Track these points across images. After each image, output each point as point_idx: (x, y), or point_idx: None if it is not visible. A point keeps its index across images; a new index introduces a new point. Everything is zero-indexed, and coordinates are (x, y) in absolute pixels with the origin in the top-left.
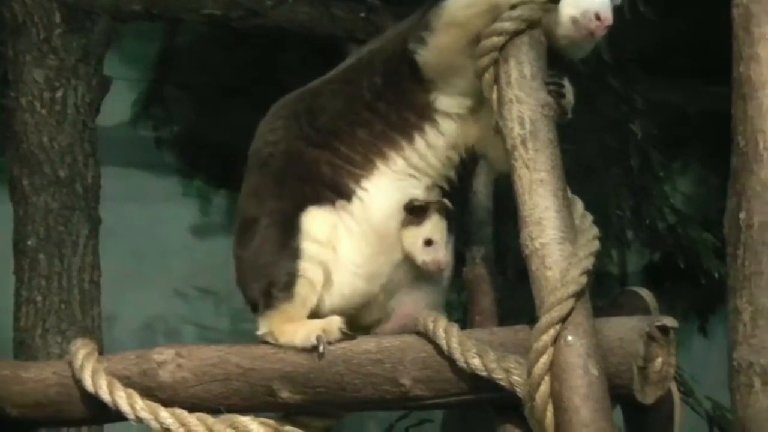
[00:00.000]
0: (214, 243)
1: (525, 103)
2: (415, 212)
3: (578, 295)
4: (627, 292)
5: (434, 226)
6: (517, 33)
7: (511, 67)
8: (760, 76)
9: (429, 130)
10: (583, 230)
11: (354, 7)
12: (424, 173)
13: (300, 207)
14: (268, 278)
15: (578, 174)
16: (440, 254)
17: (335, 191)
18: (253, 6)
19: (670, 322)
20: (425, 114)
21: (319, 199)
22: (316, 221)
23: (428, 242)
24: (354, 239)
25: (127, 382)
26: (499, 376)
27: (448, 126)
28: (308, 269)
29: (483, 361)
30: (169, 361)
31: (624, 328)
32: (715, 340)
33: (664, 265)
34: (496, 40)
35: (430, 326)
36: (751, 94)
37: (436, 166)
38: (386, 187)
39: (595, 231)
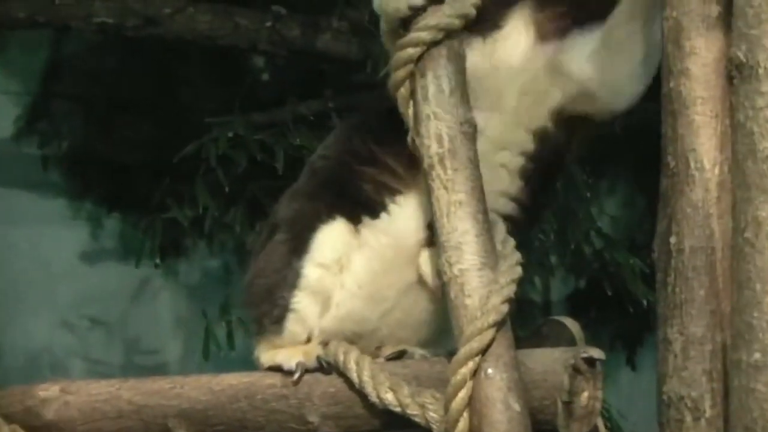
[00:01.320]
0: (105, 269)
1: (443, 120)
2: None
3: (499, 325)
4: (551, 321)
5: None
6: (434, 43)
7: (428, 81)
8: (690, 92)
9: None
10: (504, 255)
11: (259, 16)
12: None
13: (322, 220)
14: (261, 307)
15: None
16: None
17: (367, 207)
18: (150, 14)
19: (596, 353)
20: None
21: (345, 215)
22: (330, 239)
23: None
24: (365, 255)
25: (11, 421)
26: (413, 411)
27: (488, 123)
28: (303, 302)
29: (396, 396)
30: (54, 398)
31: (548, 360)
32: (643, 372)
33: (590, 292)
34: (412, 51)
35: (341, 358)
36: (681, 111)
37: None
38: (421, 200)
39: (517, 256)
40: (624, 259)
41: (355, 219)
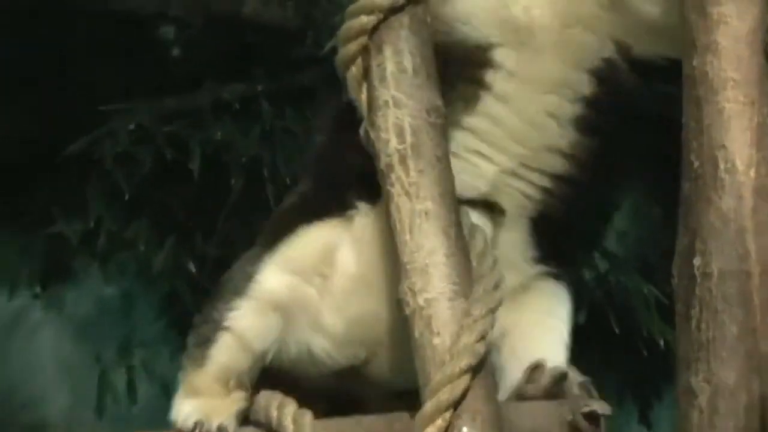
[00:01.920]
0: None
1: (405, 107)
2: None
3: (475, 370)
4: (543, 365)
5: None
6: (393, 10)
7: (386, 58)
8: (719, 73)
9: (491, 83)
10: (481, 275)
11: None
12: (490, 155)
13: (304, 220)
14: (197, 327)
15: None
16: None
17: (363, 189)
18: None
19: (600, 407)
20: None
21: (337, 207)
22: (308, 240)
23: None
24: (360, 248)
25: None
26: None
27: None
28: (245, 318)
29: None
30: None
31: (539, 415)
32: (659, 431)
33: (592, 327)
34: (365, 20)
35: (274, 414)
36: (707, 98)
37: (505, 141)
38: None
39: (497, 276)
40: (635, 285)
41: (348, 205)
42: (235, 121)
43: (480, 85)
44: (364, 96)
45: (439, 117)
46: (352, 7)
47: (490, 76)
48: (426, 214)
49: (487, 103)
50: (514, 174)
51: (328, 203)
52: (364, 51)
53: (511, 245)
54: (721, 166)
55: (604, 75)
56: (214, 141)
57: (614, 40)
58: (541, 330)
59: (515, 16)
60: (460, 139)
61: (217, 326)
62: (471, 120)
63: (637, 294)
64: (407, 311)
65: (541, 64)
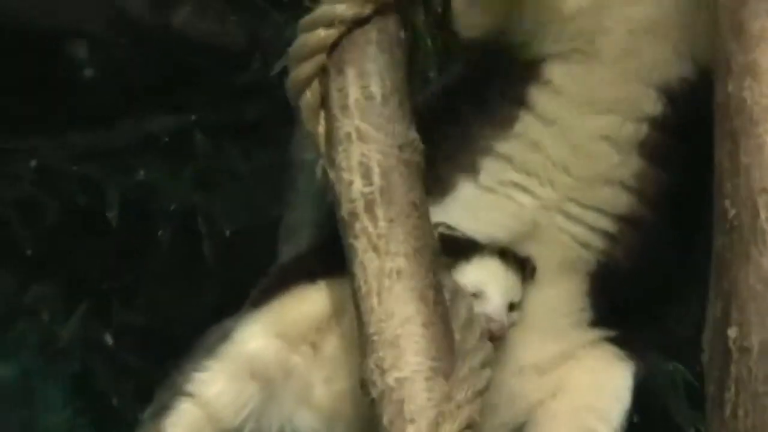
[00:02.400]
0: None
1: (372, 142)
2: (447, 246)
3: None
4: None
5: (486, 272)
6: (358, 22)
7: (348, 82)
8: (761, 100)
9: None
10: (466, 351)
11: None
12: (530, 186)
13: (297, 278)
14: (156, 397)
15: None
16: (494, 309)
17: None
18: None
19: None
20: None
21: (339, 268)
22: (301, 301)
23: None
24: (351, 325)
25: None
26: None
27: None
28: (212, 389)
29: None
30: None
31: None
32: None
33: None
34: (323, 34)
35: None
36: (745, 130)
37: (548, 170)
38: (460, 210)
39: (486, 351)
40: (657, 362)
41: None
42: (164, 160)
43: (519, 102)
44: (321, 128)
45: (415, 153)
46: (307, 19)
47: (533, 93)
48: (398, 273)
49: (527, 124)
50: (560, 211)
51: (330, 262)
52: (322, 72)
53: (553, 306)
54: (763, 215)
55: (676, 94)
56: (136, 184)
57: (692, 56)
58: (583, 417)
59: (569, 14)
60: (491, 169)
61: (178, 391)
62: (506, 146)
63: (661, 374)
64: (373, 393)
65: (596, 78)
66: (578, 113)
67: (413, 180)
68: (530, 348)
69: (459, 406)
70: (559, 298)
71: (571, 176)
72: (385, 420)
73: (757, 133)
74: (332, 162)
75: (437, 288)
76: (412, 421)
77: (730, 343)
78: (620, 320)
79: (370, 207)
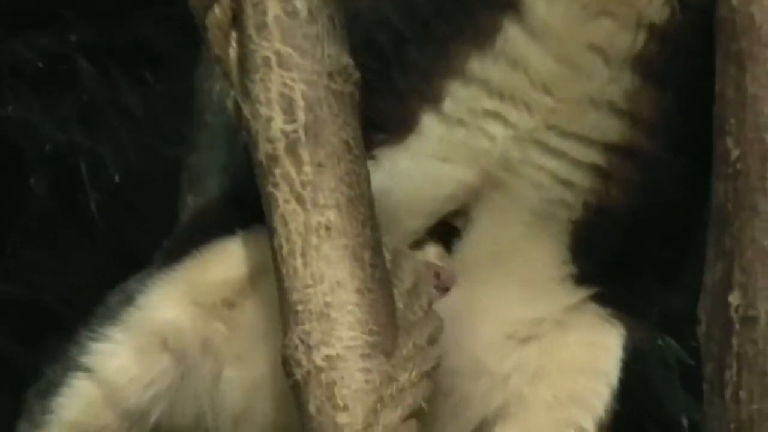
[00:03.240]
0: None
1: (296, 69)
2: None
3: None
4: None
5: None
6: None
7: None
8: None
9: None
10: (411, 324)
11: None
12: (503, 112)
13: (227, 228)
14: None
15: None
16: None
17: None
18: None
19: None
20: None
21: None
22: (219, 258)
23: None
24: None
25: None
26: None
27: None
28: (113, 363)
29: None
30: None
31: None
32: None
33: None
34: None
35: None
36: (753, 53)
37: (527, 90)
38: (424, 151)
39: (434, 323)
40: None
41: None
42: (37, 91)
43: (507, 7)
44: (232, 52)
45: (348, 82)
46: None
47: None
48: (327, 229)
49: (511, 37)
50: (537, 142)
51: (247, 214)
52: None
53: (531, 261)
54: None
55: None
56: (2, 120)
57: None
58: (564, 409)
59: None
60: (460, 96)
61: (72, 366)
62: (480, 66)
63: (650, 350)
64: (297, 374)
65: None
66: (573, 17)
67: (346, 114)
68: (504, 313)
69: (402, 390)
70: (538, 251)
71: (552, 97)
72: (312, 407)
73: (766, 58)
74: (246, 93)
75: (375, 247)
76: (345, 408)
77: (732, 312)
78: (608, 278)
79: (293, 148)
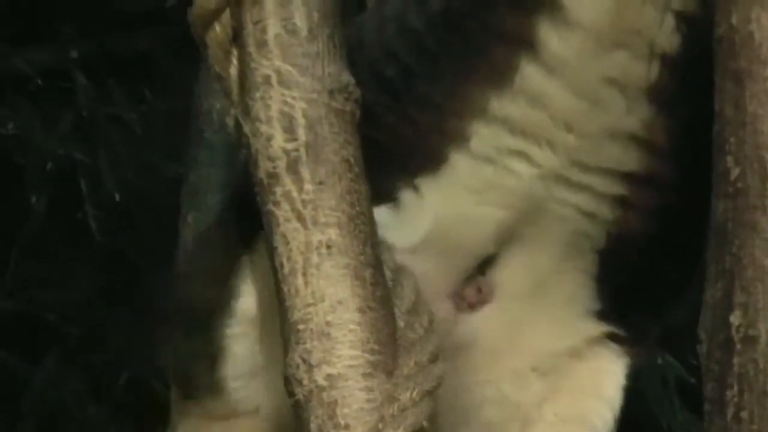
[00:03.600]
0: None
1: (297, 87)
2: None
3: None
4: None
5: None
6: None
7: (267, 13)
8: None
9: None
10: (412, 342)
11: None
12: (527, 151)
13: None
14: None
15: None
16: None
17: None
18: None
19: None
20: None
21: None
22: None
23: None
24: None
25: None
26: None
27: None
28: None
29: None
30: None
31: None
32: None
33: None
34: None
35: None
36: (752, 72)
37: (549, 129)
38: (458, 187)
39: (434, 342)
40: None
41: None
42: (36, 107)
43: (523, 44)
44: (233, 70)
45: (349, 100)
46: None
47: (544, 27)
48: (328, 248)
49: (529, 74)
50: (562, 179)
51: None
52: (234, 1)
53: (559, 294)
54: None
55: (696, 23)
56: (3, 137)
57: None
58: (572, 422)
59: None
60: (484, 135)
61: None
62: (500, 104)
63: (649, 369)
64: (299, 393)
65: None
66: (588, 51)
67: (347, 133)
68: (530, 346)
69: (404, 409)
70: (565, 284)
71: (573, 134)
72: (314, 426)
73: (763, 75)
74: (247, 111)
75: (376, 265)
76: (346, 427)
77: (733, 332)
78: (627, 307)
79: (293, 167)
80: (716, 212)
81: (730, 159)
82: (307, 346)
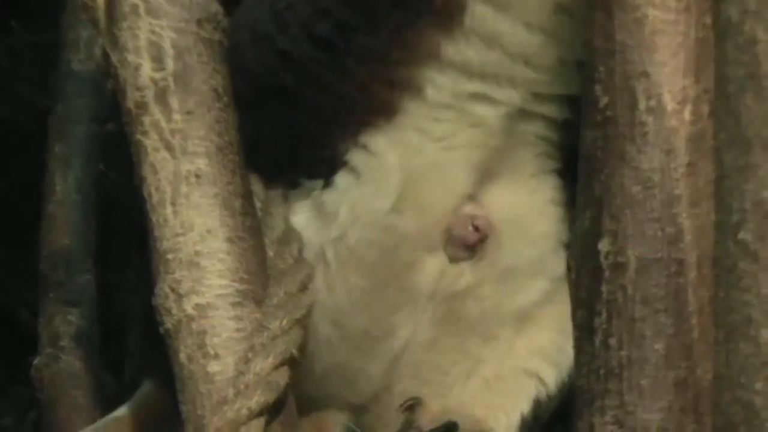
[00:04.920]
0: None
1: (165, 16)
2: None
3: (272, 412)
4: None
5: None
6: None
7: None
8: None
9: None
10: (281, 272)
11: None
12: (489, 93)
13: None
14: None
15: None
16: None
17: (300, 165)
18: None
19: None
20: None
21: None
22: None
23: None
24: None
25: None
26: None
27: None
28: None
29: None
30: None
31: None
32: None
33: None
34: None
35: None
36: (620, 2)
37: (507, 66)
38: (414, 134)
39: (305, 271)
40: None
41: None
42: None
43: None
44: (100, 0)
45: (217, 30)
46: None
47: None
48: (197, 177)
49: (479, 13)
50: (524, 112)
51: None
52: None
53: (538, 228)
54: (642, 104)
55: None
56: None
57: None
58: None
59: None
60: (440, 83)
61: None
62: (452, 49)
63: None
64: (168, 323)
65: None
66: None
67: (215, 62)
68: (512, 287)
69: (274, 338)
70: (541, 216)
71: (531, 68)
72: (183, 356)
73: (636, 4)
74: (115, 41)
75: (245, 195)
76: (216, 356)
77: (602, 259)
78: None
79: (162, 96)
80: (586, 141)
81: (599, 88)
82: (176, 275)
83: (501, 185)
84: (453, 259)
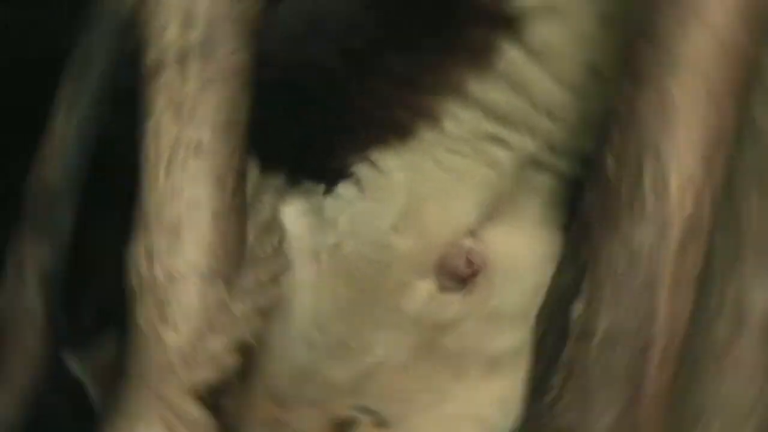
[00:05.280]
0: None
1: None
2: None
3: (218, 394)
4: None
5: None
6: None
7: None
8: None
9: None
10: (256, 258)
11: None
12: (505, 137)
13: None
14: None
15: None
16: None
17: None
18: None
19: None
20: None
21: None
22: None
23: None
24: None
25: None
26: None
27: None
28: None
29: None
30: None
31: None
32: None
33: None
34: None
35: None
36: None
37: (529, 115)
38: (425, 161)
39: (279, 263)
40: None
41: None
42: None
43: (503, 27)
44: None
45: (252, 8)
46: None
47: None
48: (197, 146)
49: (513, 59)
50: (536, 162)
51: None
52: None
53: (539, 276)
54: (647, 181)
55: None
56: None
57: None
58: None
59: None
60: (460, 118)
61: None
62: (479, 88)
63: None
64: (133, 281)
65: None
66: (574, 36)
67: (243, 40)
68: (494, 330)
69: (233, 321)
70: (540, 258)
71: (552, 118)
72: (141, 318)
73: (662, 82)
74: (145, 5)
75: (240, 174)
76: (173, 325)
77: (572, 321)
78: None
79: (183, 59)
80: (585, 202)
81: (610, 155)
82: (154, 239)
83: (504, 228)
84: (443, 289)
